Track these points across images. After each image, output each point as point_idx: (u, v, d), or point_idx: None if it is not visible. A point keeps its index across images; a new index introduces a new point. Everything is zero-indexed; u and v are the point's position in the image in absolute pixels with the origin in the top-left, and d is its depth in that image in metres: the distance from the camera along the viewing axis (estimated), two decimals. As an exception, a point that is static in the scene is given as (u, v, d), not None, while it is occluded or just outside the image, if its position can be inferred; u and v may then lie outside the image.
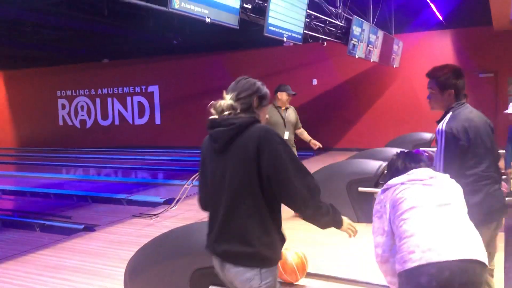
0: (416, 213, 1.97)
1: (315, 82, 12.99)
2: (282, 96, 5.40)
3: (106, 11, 9.79)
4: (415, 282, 1.86)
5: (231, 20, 4.49)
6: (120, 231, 5.51)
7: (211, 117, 2.05)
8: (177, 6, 3.49)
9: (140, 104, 15.63)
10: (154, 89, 15.34)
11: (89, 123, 16.53)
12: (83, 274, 4.14)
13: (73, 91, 16.68)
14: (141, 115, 15.66)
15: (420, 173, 2.12)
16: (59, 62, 16.16)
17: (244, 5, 4.84)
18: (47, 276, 4.12)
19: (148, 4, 3.54)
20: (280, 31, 5.72)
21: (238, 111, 1.98)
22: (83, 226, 5.73)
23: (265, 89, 2.09)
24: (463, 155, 2.41)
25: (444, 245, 1.87)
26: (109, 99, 16.08)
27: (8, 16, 9.87)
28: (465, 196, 2.13)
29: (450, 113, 2.50)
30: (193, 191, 6.89)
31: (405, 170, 2.16)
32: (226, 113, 1.98)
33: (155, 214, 6.07)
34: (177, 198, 6.21)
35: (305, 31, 6.56)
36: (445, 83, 2.51)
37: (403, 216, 1.99)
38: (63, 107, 16.93)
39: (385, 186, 2.17)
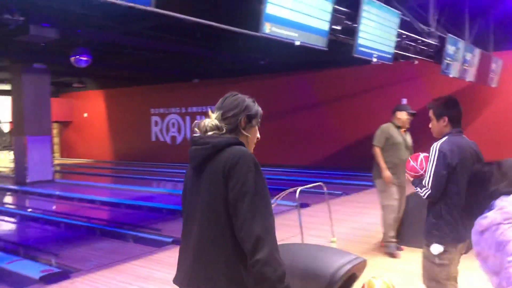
0: None
1: (404, 101, 12.55)
2: (402, 115, 4.95)
3: (199, 34, 10.30)
4: None
5: (320, 42, 4.51)
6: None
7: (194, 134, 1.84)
8: (267, 31, 3.58)
9: (226, 122, 16.10)
10: (240, 107, 15.74)
11: (179, 139, 17.33)
12: (171, 287, 4.29)
13: (166, 109, 17.63)
14: (227, 132, 16.12)
15: None
16: (153, 81, 17.22)
17: (333, 26, 4.84)
18: (138, 286, 4.33)
19: (240, 30, 3.67)
20: (370, 51, 5.62)
21: (224, 131, 1.79)
22: (172, 239, 5.96)
23: (256, 108, 1.89)
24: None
25: None
26: (198, 117, 16.71)
27: (108, 40, 10.74)
28: None
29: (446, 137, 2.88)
30: (278, 210, 6.93)
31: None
32: (210, 133, 1.78)
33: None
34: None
35: (395, 51, 6.39)
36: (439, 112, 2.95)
37: None
38: (156, 123, 17.93)
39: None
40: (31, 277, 4.55)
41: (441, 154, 2.78)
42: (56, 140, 20.92)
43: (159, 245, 5.84)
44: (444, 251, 2.70)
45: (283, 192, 5.99)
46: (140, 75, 16.86)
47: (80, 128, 20.24)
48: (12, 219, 8.11)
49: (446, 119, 2.93)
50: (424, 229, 2.83)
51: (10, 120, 14.81)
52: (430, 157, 2.83)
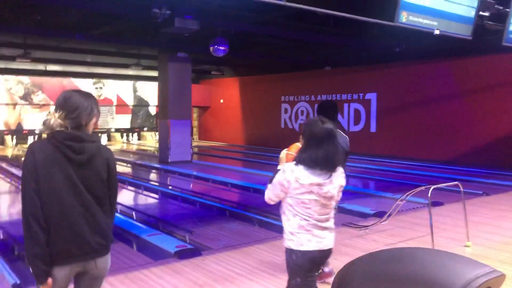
0: None
1: None
2: None
3: (332, 22, 10.16)
4: None
5: (463, 31, 4.14)
6: (329, 238, 5.64)
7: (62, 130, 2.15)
8: (404, 20, 3.39)
9: (356, 111, 15.75)
10: (371, 96, 15.24)
11: (307, 127, 17.42)
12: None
13: (295, 96, 17.84)
14: (356, 122, 15.76)
15: None
16: (284, 69, 17.52)
17: (481, 12, 4.39)
18: (262, 270, 4.50)
19: (373, 20, 3.53)
20: (523, 38, 5.00)
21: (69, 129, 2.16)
22: (295, 227, 6.06)
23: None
24: None
25: None
26: (327, 105, 16.65)
27: (244, 30, 11.14)
28: None
29: None
30: (406, 207, 6.61)
31: None
32: (58, 129, 2.14)
33: (364, 226, 6.02)
34: (389, 213, 6.02)
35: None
36: None
37: None
38: (286, 111, 18.26)
39: None
40: (167, 250, 4.99)
41: None
42: (195, 123, 22.56)
43: (282, 232, 5.98)
44: None
45: (415, 190, 5.69)
46: (272, 64, 17.28)
47: (217, 113, 21.51)
48: (155, 195, 8.98)
49: None
50: None
51: (156, 104, 16.32)
52: None
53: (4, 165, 12.40)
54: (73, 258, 2.15)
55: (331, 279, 4.27)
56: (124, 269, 4.53)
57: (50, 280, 2.09)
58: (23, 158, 2.48)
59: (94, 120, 2.24)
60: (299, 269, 2.69)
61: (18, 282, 4.04)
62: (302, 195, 2.58)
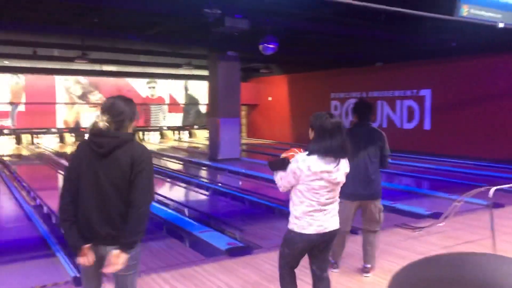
0: None
1: None
2: None
3: (383, 17, 9.90)
4: None
5: (529, 22, 3.88)
6: (380, 239, 5.50)
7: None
8: (465, 14, 3.22)
9: (409, 108, 15.29)
10: (426, 93, 14.73)
11: (357, 125, 17.10)
12: (343, 276, 4.30)
13: (346, 93, 17.55)
14: (410, 119, 15.30)
15: None
16: (334, 66, 17.27)
17: (548, 2, 4.11)
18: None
19: (432, 15, 3.38)
20: None
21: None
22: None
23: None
24: None
25: None
26: (379, 102, 16.26)
27: (293, 27, 11.07)
28: None
29: None
30: (464, 208, 6.33)
31: None
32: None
33: (419, 227, 5.83)
34: (446, 214, 5.79)
35: None
36: None
37: None
38: (336, 108, 18.00)
39: None
40: (218, 248, 5.04)
41: None
42: (243, 121, 22.72)
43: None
44: None
45: (475, 190, 5.44)
46: (321, 60, 17.08)
47: (265, 111, 21.55)
48: (205, 192, 9.10)
49: None
50: None
51: (206, 103, 16.54)
52: None
53: (63, 161, 13.00)
54: (87, 241, 2.45)
55: (367, 275, 4.23)
56: (177, 265, 4.62)
57: (81, 252, 2.45)
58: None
59: (134, 122, 2.59)
60: (293, 244, 3.02)
61: (78, 275, 4.21)
62: (313, 182, 2.89)
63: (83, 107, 18.76)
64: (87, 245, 2.44)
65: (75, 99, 18.65)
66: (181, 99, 21.02)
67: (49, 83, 17.95)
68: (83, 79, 18.68)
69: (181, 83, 20.89)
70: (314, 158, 2.90)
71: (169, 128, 20.73)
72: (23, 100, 17.58)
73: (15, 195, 8.33)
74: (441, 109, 14.26)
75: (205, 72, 16.49)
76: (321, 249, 3.08)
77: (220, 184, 9.75)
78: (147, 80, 19.98)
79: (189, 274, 4.33)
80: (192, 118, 21.48)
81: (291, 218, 3.02)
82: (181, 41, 13.11)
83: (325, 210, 2.96)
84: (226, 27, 8.83)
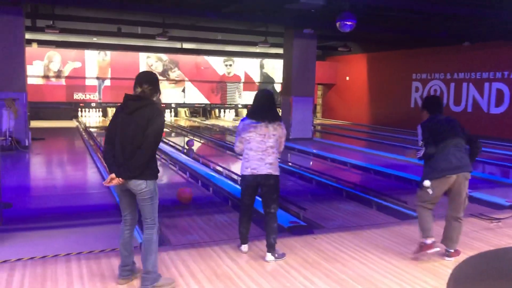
0: None
1: None
2: None
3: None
4: None
5: None
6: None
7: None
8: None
9: (498, 91, 14.15)
10: (518, 75, 13.55)
11: (439, 108, 16.17)
12: (407, 262, 4.13)
13: (428, 74, 16.62)
14: (498, 103, 14.18)
15: None
16: (416, 45, 16.37)
17: None
18: (375, 255, 4.30)
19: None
20: None
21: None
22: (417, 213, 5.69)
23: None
24: None
25: None
26: (465, 84, 15.23)
27: (373, 4, 10.58)
28: None
29: None
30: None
31: None
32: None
33: (497, 218, 5.42)
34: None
35: None
36: None
37: None
38: (417, 89, 17.14)
39: None
40: (281, 225, 5.01)
41: None
42: (319, 101, 22.39)
43: (402, 217, 5.67)
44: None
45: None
46: (403, 39, 16.25)
47: (342, 90, 21.05)
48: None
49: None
50: None
51: (281, 81, 16.48)
52: None
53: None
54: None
55: (431, 251, 4.00)
56: (237, 237, 4.67)
57: (112, 175, 3.37)
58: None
59: (158, 93, 3.50)
60: None
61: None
62: None
63: (163, 84, 19.49)
64: (113, 174, 3.36)
65: (156, 75, 19.41)
66: (257, 78, 21.12)
67: (133, 59, 18.83)
68: (164, 56, 19.37)
69: (256, 61, 20.96)
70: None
71: (243, 106, 20.97)
72: (109, 75, 18.62)
73: (97, 164, 8.90)
74: (536, 93, 13.05)
75: (280, 50, 16.39)
76: None
77: (289, 164, 9.71)
78: (224, 58, 20.27)
79: (249, 248, 4.37)
80: (267, 96, 21.49)
81: None
82: (257, 18, 13.08)
83: None
84: (302, 4, 8.65)
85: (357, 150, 12.15)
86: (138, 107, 3.32)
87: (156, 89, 3.46)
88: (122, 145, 3.33)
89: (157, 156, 3.54)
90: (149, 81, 3.42)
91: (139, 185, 3.33)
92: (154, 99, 3.45)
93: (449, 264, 4.02)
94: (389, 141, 13.48)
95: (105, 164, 3.59)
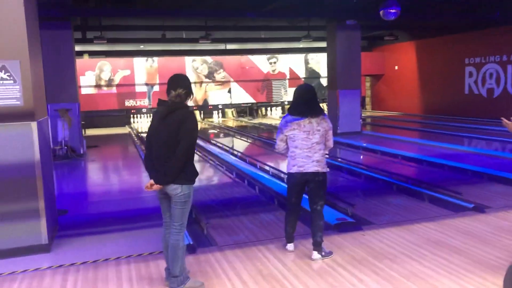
0: None
1: None
2: None
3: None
4: None
5: None
6: (514, 219, 4.89)
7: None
8: None
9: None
10: None
11: (497, 92, 15.35)
12: (463, 257, 3.92)
13: (482, 58, 15.79)
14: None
15: None
16: (468, 28, 15.60)
17: None
18: (427, 250, 4.12)
19: None
20: None
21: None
22: (473, 205, 5.41)
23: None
24: None
25: None
26: (523, 66, 14.35)
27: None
28: None
29: None
30: None
31: None
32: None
33: None
34: None
35: None
36: None
37: None
38: (470, 75, 16.34)
39: None
40: (327, 222, 4.91)
41: None
42: (367, 93, 21.85)
43: (457, 210, 5.40)
44: None
45: None
46: (453, 23, 15.54)
47: (391, 81, 20.44)
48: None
49: None
50: None
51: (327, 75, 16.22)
52: None
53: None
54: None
55: None
56: (283, 236, 4.62)
57: (152, 180, 3.43)
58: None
59: (191, 96, 3.51)
60: None
61: (191, 242, 4.46)
62: None
63: (209, 86, 19.73)
64: (152, 181, 3.43)
65: (202, 78, 19.67)
66: (302, 73, 20.92)
67: (179, 64, 19.18)
68: (209, 59, 19.60)
69: (301, 57, 20.75)
70: None
71: (289, 103, 20.80)
72: (157, 81, 19.08)
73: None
74: None
75: (324, 44, 16.15)
76: None
77: (339, 159, 9.52)
78: (267, 56, 20.23)
79: (295, 247, 4.31)
80: (314, 92, 21.25)
81: None
82: (298, 14, 12.94)
83: None
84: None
85: (409, 141, 11.74)
86: (170, 111, 3.37)
87: (190, 92, 3.49)
88: (158, 150, 3.40)
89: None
90: (183, 85, 3.45)
91: (175, 190, 3.39)
92: (187, 102, 3.49)
93: (508, 259, 3.77)
94: (442, 130, 12.94)
95: (147, 170, 3.62)
